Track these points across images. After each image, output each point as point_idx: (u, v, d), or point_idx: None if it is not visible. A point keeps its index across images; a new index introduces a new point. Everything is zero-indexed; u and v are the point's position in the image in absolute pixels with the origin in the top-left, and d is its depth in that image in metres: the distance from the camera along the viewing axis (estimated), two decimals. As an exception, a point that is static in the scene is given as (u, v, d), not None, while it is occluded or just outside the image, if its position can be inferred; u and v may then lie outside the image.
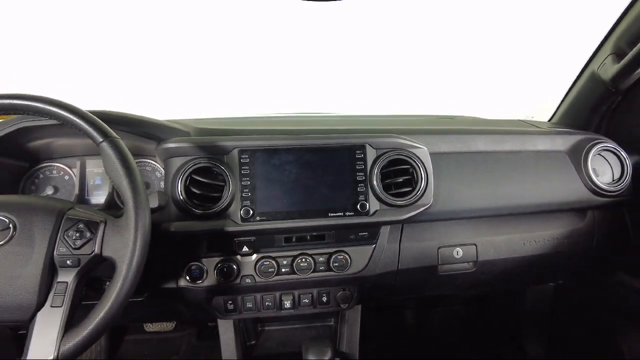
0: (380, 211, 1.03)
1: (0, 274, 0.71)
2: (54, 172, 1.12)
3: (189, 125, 1.09)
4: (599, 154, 1.21)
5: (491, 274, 1.21)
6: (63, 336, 0.71)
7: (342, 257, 1.06)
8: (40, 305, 0.72)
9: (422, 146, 1.07)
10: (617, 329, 1.30)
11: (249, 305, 1.11)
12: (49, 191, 1.11)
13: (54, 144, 1.07)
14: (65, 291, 0.73)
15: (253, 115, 1.35)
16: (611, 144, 1.21)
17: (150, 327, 1.69)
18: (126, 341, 1.68)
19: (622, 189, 1.19)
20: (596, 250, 1.24)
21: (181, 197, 0.96)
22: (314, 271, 1.06)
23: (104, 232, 0.75)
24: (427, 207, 1.05)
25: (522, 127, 1.34)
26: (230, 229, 0.98)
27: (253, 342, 1.27)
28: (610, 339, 1.32)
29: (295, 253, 1.06)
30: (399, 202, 1.03)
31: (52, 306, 0.72)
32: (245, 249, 1.03)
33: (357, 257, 1.08)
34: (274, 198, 1.00)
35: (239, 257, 1.05)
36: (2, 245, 0.72)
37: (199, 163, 0.98)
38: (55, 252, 0.73)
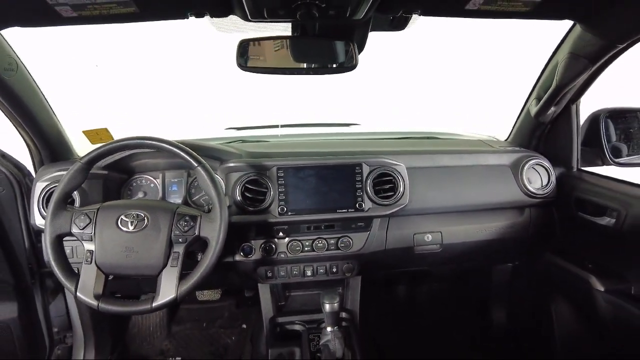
0: (372, 208, 1.51)
1: (141, 247, 1.20)
2: (143, 181, 1.61)
3: (240, 149, 1.58)
4: (532, 167, 1.68)
5: (453, 254, 1.68)
6: (179, 283, 1.20)
7: (346, 240, 1.55)
8: (164, 265, 1.20)
9: (400, 163, 1.54)
10: (547, 296, 1.77)
11: (282, 273, 1.60)
12: (141, 195, 1.60)
13: (146, 163, 1.56)
14: (178, 257, 1.21)
15: (282, 134, 1.87)
16: (541, 159, 1.68)
17: (201, 296, 2.18)
18: (181, 309, 2.18)
19: (548, 192, 1.66)
20: (531, 237, 1.71)
21: (239, 199, 1.45)
22: (327, 250, 1.54)
23: (200, 222, 1.23)
24: (404, 205, 1.53)
25: (480, 146, 1.82)
26: (271, 220, 1.47)
27: (282, 302, 1.75)
28: (544, 303, 1.79)
29: (314, 237, 1.54)
30: (385, 202, 1.51)
31: (171, 266, 1.21)
32: (280, 234, 1.52)
33: (357, 240, 1.56)
34: (300, 200, 1.49)
35: (275, 239, 1.54)
36: (142, 229, 1.20)
37: (251, 176, 1.47)
38: (172, 234, 1.21)
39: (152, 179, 1.60)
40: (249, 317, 2.17)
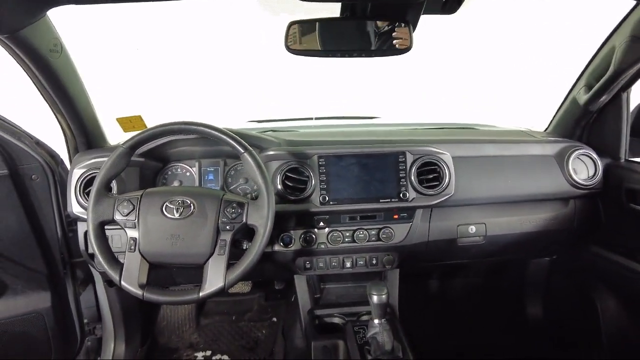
0: (417, 198, 1.46)
1: (187, 235, 1.16)
2: (179, 170, 1.58)
3: (279, 137, 1.53)
4: (578, 157, 1.62)
5: (496, 246, 1.63)
6: (226, 272, 1.16)
7: (388, 231, 1.50)
8: (211, 253, 1.17)
9: (446, 152, 1.49)
10: (592, 290, 1.71)
11: (321, 264, 1.55)
12: (176, 184, 1.57)
13: (182, 151, 1.53)
14: (225, 245, 1.18)
15: (320, 124, 1.81)
16: (587, 150, 1.62)
17: (231, 288, 2.14)
18: (209, 301, 2.15)
19: (594, 183, 1.60)
20: (576, 229, 1.66)
21: (279, 188, 1.41)
22: (367, 241, 1.50)
23: (247, 209, 1.19)
24: (450, 195, 1.48)
25: (522, 136, 1.76)
26: (313, 209, 1.43)
27: (318, 295, 1.71)
28: (588, 297, 1.73)
29: (354, 228, 1.50)
30: (430, 192, 1.46)
31: (218, 254, 1.17)
32: (321, 224, 1.48)
33: (399, 231, 1.52)
34: (342, 189, 1.44)
35: (316, 229, 1.49)
36: (188, 216, 1.17)
37: (291, 165, 1.43)
38: (219, 221, 1.18)
39: (188, 167, 1.57)
40: (279, 310, 2.14)
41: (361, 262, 1.56)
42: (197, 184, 1.56)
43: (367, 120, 2.19)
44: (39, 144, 1.57)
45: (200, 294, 1.14)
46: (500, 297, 2.18)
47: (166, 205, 1.17)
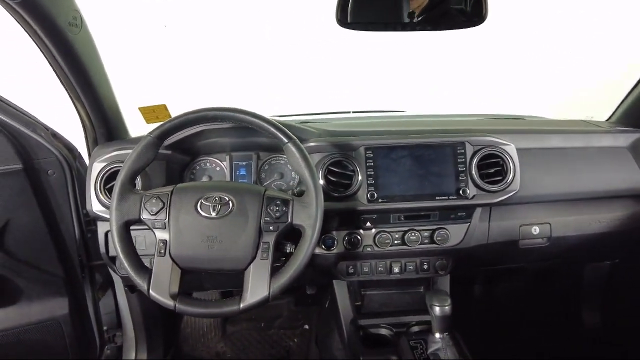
0: (478, 195, 1.29)
1: (226, 236, 1.01)
2: (208, 164, 1.42)
3: (317, 128, 1.37)
4: (657, 149, 1.43)
5: (561, 248, 1.45)
6: (271, 279, 1.00)
7: (443, 232, 1.33)
8: (253, 258, 1.01)
9: (510, 143, 1.31)
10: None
11: (366, 270, 1.39)
12: (205, 179, 1.42)
13: (212, 142, 1.37)
14: (269, 249, 1.02)
15: (363, 115, 1.63)
16: None
17: None
18: None
19: None
20: None
21: (322, 184, 1.25)
22: (420, 243, 1.33)
23: (293, 207, 1.04)
24: (515, 192, 1.30)
25: (585, 126, 1.57)
26: (359, 208, 1.26)
27: (359, 303, 1.55)
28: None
29: (405, 229, 1.33)
30: (493, 188, 1.29)
31: (260, 259, 1.01)
32: (368, 224, 1.31)
33: (455, 233, 1.35)
34: (392, 184, 1.28)
35: (361, 230, 1.33)
36: (226, 215, 1.01)
37: (335, 157, 1.27)
38: (262, 221, 1.02)
39: (218, 161, 1.42)
40: (310, 316, 1.98)
41: (411, 267, 1.40)
42: (227, 179, 1.41)
43: (398, 113, 2.01)
44: (55, 136, 1.44)
45: (242, 305, 0.99)
46: (551, 303, 1.99)
47: (201, 202, 1.02)
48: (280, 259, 1.09)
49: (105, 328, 1.80)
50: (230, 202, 1.02)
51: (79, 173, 1.44)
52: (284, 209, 1.02)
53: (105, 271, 1.59)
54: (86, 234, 1.49)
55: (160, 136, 1.06)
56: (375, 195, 1.26)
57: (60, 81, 1.21)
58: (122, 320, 1.72)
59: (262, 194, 1.05)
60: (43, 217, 1.40)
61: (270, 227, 1.02)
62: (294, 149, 1.06)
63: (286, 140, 1.06)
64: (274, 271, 1.02)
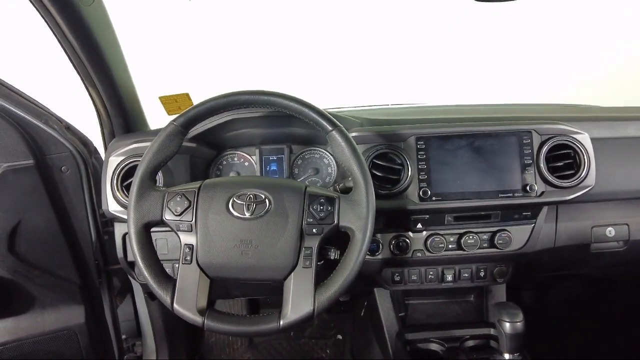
0: (547, 192, 1.11)
1: (262, 240, 0.85)
2: (235, 159, 1.28)
3: (357, 116, 1.21)
4: None
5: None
6: (315, 291, 0.85)
7: (505, 235, 1.16)
8: (294, 266, 0.86)
9: (583, 132, 1.13)
10: None
11: (414, 277, 1.23)
12: (233, 175, 1.27)
13: (240, 135, 1.23)
14: (312, 255, 0.87)
15: (404, 106, 1.46)
16: None
17: None
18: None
19: None
20: None
21: None
22: (479, 248, 1.16)
23: (339, 206, 0.88)
24: (590, 188, 1.12)
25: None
26: (410, 207, 1.10)
27: (403, 313, 1.38)
28: None
29: (461, 231, 1.16)
30: (565, 184, 1.11)
31: (303, 267, 0.86)
32: (418, 226, 1.15)
33: (518, 235, 1.17)
34: (448, 180, 1.11)
35: (410, 233, 1.16)
36: (262, 216, 0.86)
37: (380, 149, 1.10)
38: (303, 222, 0.87)
39: (246, 155, 1.27)
40: (343, 325, 1.82)
41: (466, 275, 1.23)
42: (257, 174, 1.26)
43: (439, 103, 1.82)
44: (69, 129, 1.31)
45: (282, 323, 0.84)
46: (614, 314, 1.78)
47: (233, 200, 0.87)
48: (323, 266, 0.94)
49: (124, 337, 1.68)
50: (266, 201, 0.87)
51: (95, 169, 1.32)
52: (329, 208, 0.87)
53: (124, 275, 1.47)
54: (103, 235, 1.37)
55: (185, 124, 0.92)
56: (428, 192, 1.09)
57: (72, 63, 1.08)
58: (142, 329, 1.60)
59: (303, 190, 0.89)
60: (56, 218, 1.28)
61: (314, 230, 0.87)
62: (340, 138, 0.90)
63: (330, 128, 0.91)
64: (318, 281, 0.86)
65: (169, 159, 0.92)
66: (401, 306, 1.38)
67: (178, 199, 0.87)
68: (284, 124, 1.17)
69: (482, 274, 1.23)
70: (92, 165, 1.31)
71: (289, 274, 0.86)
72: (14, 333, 1.30)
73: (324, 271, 0.91)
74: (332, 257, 0.93)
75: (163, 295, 0.85)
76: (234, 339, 1.77)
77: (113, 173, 1.13)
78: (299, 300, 0.84)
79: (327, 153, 1.26)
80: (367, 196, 0.87)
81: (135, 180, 0.89)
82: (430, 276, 1.23)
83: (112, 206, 1.13)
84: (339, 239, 0.92)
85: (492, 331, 1.25)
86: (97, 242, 1.36)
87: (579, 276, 1.64)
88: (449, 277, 1.22)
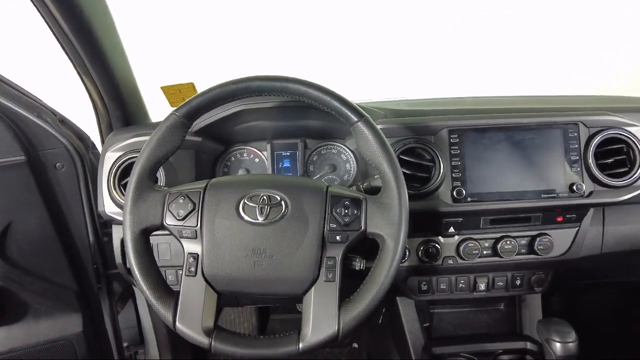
0: (596, 192, 0.99)
1: (278, 249, 0.74)
2: (245, 154, 1.17)
3: (381, 107, 1.09)
4: None
5: None
6: (340, 309, 0.73)
7: (546, 240, 1.03)
8: (314, 279, 0.75)
9: (638, 124, 1.00)
10: None
11: (443, 286, 1.11)
12: (242, 173, 1.16)
13: (250, 128, 1.11)
14: (335, 266, 0.75)
15: (430, 97, 1.32)
16: None
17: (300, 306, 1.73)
18: (272, 319, 1.74)
19: None
20: None
21: None
22: (517, 254, 1.04)
23: (366, 209, 0.76)
24: None
25: None
26: (442, 209, 0.98)
27: (428, 323, 1.27)
28: None
29: (497, 235, 1.04)
30: (616, 182, 0.98)
31: (325, 280, 0.75)
32: (451, 230, 1.03)
33: (560, 240, 1.05)
34: (485, 179, 0.98)
35: (441, 238, 1.04)
36: (277, 220, 0.75)
37: (408, 144, 0.98)
38: (326, 228, 0.75)
39: (256, 151, 1.16)
40: (360, 333, 1.70)
41: (500, 284, 1.11)
42: (269, 172, 1.15)
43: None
44: (64, 122, 1.20)
45: (302, 345, 0.73)
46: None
47: (244, 203, 0.75)
48: (347, 277, 0.82)
49: (125, 344, 1.58)
50: (282, 203, 0.76)
51: (92, 166, 1.21)
52: (355, 212, 0.75)
53: (125, 279, 1.36)
54: (102, 237, 1.27)
55: (188, 115, 0.80)
56: (463, 192, 0.97)
57: (64, 50, 0.97)
58: (145, 337, 1.50)
59: (324, 191, 0.77)
60: (50, 219, 1.18)
61: (337, 237, 0.75)
62: (367, 131, 0.78)
63: (356, 119, 0.79)
64: (343, 297, 0.75)
65: (171, 154, 0.81)
66: (426, 316, 1.27)
67: (181, 200, 0.76)
68: (299, 115, 1.06)
69: (518, 282, 1.11)
70: (89, 161, 1.20)
71: (309, 288, 0.75)
72: (6, 344, 1.20)
73: (348, 282, 0.79)
74: (357, 268, 0.81)
75: (163, 312, 0.74)
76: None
77: (110, 170, 1.02)
78: (321, 320, 0.73)
79: (346, 148, 1.15)
80: (400, 198, 0.75)
81: (132, 179, 0.77)
82: (461, 285, 1.11)
83: (108, 207, 1.02)
84: (363, 245, 0.80)
85: (528, 345, 1.14)
86: (95, 245, 1.25)
87: (617, 283, 1.51)
88: (482, 286, 1.10)
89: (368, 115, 0.79)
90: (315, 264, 0.74)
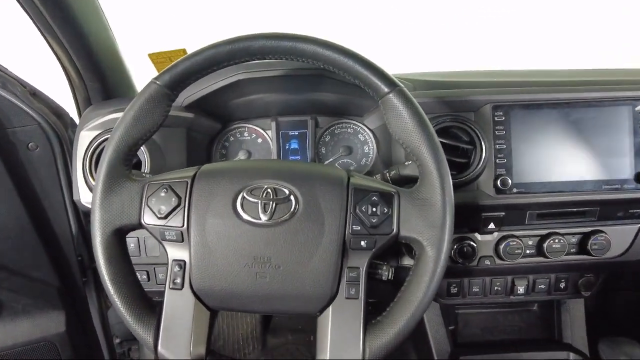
0: None
1: (285, 257, 0.58)
2: (245, 134, 1.01)
3: (410, 78, 0.91)
4: None
5: None
6: (365, 333, 0.58)
7: (602, 238, 0.87)
8: (333, 296, 0.59)
9: None
10: None
11: (475, 289, 0.96)
12: (242, 156, 1.00)
13: (251, 102, 0.94)
14: (359, 279, 0.60)
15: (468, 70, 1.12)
16: None
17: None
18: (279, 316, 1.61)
19: None
20: None
21: None
22: (566, 254, 0.88)
23: (399, 206, 0.60)
24: None
25: None
26: (482, 202, 0.81)
27: (453, 327, 1.12)
28: None
29: (543, 232, 0.88)
30: None
31: (347, 298, 0.59)
32: (491, 226, 0.86)
33: (618, 239, 0.88)
34: (535, 166, 0.82)
35: (477, 235, 0.88)
36: (286, 220, 0.59)
37: (443, 122, 0.81)
38: (347, 231, 0.59)
39: (259, 130, 0.99)
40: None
41: (542, 287, 0.95)
42: (274, 156, 0.98)
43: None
44: (35, 95, 1.04)
45: None
46: None
47: (243, 197, 0.59)
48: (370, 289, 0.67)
49: (118, 340, 1.46)
50: (292, 198, 0.59)
51: (72, 147, 1.05)
52: (385, 210, 0.59)
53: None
54: (86, 226, 1.12)
55: (172, 83, 0.63)
56: (509, 182, 0.80)
57: (24, 10, 0.79)
58: None
59: (345, 182, 0.61)
60: (25, 207, 1.03)
61: (362, 243, 0.59)
62: (401, 104, 0.61)
63: (386, 90, 0.61)
64: (369, 318, 0.59)
65: (150, 133, 0.64)
66: (451, 318, 1.12)
67: (162, 193, 0.60)
68: (310, 86, 0.89)
69: (562, 285, 0.96)
70: (68, 141, 1.05)
71: (326, 307, 0.59)
72: (-22, 346, 1.08)
73: (370, 293, 0.64)
74: (383, 278, 0.66)
75: (142, 333, 0.59)
76: (245, 342, 1.53)
77: (85, 152, 0.86)
78: (341, 347, 0.58)
79: (364, 127, 0.98)
80: (444, 192, 0.59)
81: (102, 166, 0.61)
82: (496, 288, 0.95)
83: (84, 196, 0.87)
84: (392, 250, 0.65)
85: (571, 357, 0.99)
86: (78, 234, 1.11)
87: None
88: (521, 289, 0.95)
89: (402, 85, 0.62)
90: (333, 276, 0.58)
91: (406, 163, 0.74)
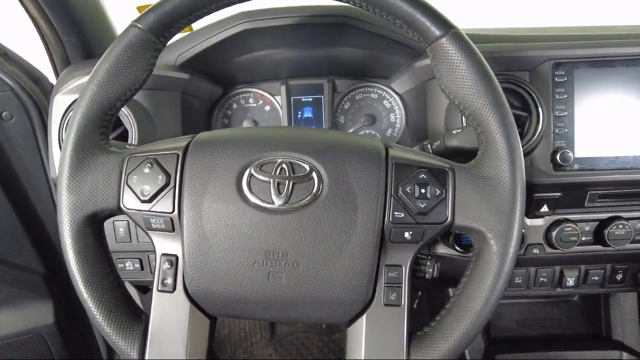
0: None
1: (305, 253, 0.45)
2: (251, 100, 0.86)
3: None
4: None
5: None
6: (409, 346, 0.45)
7: None
8: (368, 302, 0.46)
9: None
10: None
11: (518, 280, 0.83)
12: (247, 125, 0.86)
13: (257, 61, 0.80)
14: (401, 279, 0.47)
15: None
16: None
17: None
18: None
19: None
20: None
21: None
22: (631, 242, 0.74)
23: (455, 188, 0.46)
24: None
25: None
26: (537, 180, 0.68)
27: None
28: None
29: (604, 216, 0.74)
30: None
31: (386, 304, 0.46)
32: (544, 208, 0.72)
33: None
34: (602, 137, 0.67)
35: (526, 219, 0.75)
36: (305, 205, 0.45)
37: None
38: (387, 219, 0.46)
39: (267, 95, 0.85)
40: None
41: (595, 278, 0.82)
42: (284, 124, 0.85)
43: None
44: (7, 56, 0.90)
45: None
46: None
47: (251, 175, 0.46)
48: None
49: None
50: (314, 175, 0.46)
51: None
52: (437, 191, 0.46)
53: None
54: None
55: (157, 27, 0.49)
56: (570, 156, 0.66)
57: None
58: None
59: (382, 155, 0.47)
60: (2, 186, 0.91)
61: (406, 234, 0.46)
62: (456, 51, 0.47)
63: (439, 33, 0.47)
64: (414, 329, 0.47)
65: (131, 92, 0.50)
66: None
67: (146, 169, 0.47)
68: (328, 39, 0.74)
69: (619, 276, 0.82)
70: (47, 109, 0.91)
71: (359, 315, 0.47)
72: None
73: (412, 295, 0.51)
74: (427, 276, 0.52)
75: (123, 346, 0.47)
76: (251, 332, 1.43)
77: (62, 120, 0.72)
78: None
79: (390, 91, 0.84)
80: (514, 168, 0.45)
81: (70, 135, 0.48)
82: (542, 279, 0.82)
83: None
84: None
85: (624, 356, 0.87)
86: None
87: None
88: (571, 282, 0.82)
89: (458, 28, 0.47)
90: (368, 277, 0.45)
91: (454, 131, 0.60)
